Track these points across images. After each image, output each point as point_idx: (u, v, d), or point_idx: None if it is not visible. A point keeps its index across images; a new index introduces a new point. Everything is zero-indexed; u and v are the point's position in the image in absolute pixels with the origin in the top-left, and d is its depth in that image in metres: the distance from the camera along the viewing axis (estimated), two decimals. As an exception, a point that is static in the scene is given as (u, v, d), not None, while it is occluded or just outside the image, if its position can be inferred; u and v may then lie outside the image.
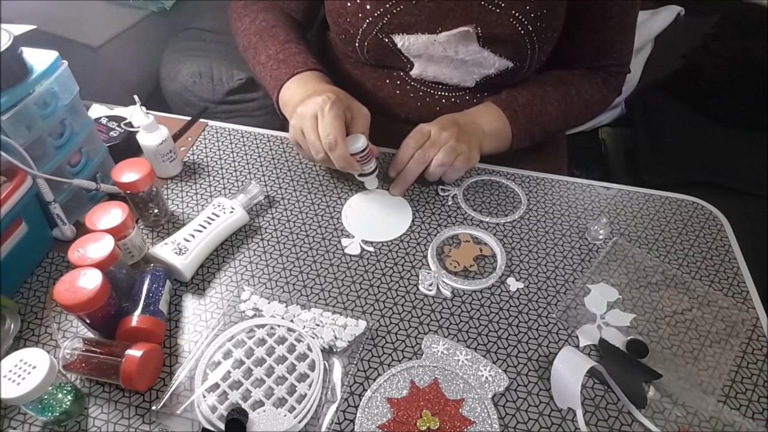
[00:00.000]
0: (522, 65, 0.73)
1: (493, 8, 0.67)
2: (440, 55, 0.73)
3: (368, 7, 0.70)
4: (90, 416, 0.49)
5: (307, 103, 0.64)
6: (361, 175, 0.70)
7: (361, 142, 0.65)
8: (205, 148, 0.78)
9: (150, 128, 0.68)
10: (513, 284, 0.62)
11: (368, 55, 0.76)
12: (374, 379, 0.52)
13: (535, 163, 0.82)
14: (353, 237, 0.66)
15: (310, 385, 0.51)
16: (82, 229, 0.63)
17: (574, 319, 0.59)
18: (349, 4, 0.71)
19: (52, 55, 0.59)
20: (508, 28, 0.68)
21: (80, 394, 0.49)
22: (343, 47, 0.80)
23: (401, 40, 0.72)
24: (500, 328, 0.58)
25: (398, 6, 0.69)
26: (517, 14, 0.67)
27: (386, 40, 0.72)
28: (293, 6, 0.82)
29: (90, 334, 0.54)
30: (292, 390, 0.51)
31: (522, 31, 0.68)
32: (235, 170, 0.75)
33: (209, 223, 0.63)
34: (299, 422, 0.48)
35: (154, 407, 0.50)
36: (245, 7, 0.81)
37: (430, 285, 0.61)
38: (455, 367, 0.53)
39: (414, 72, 0.77)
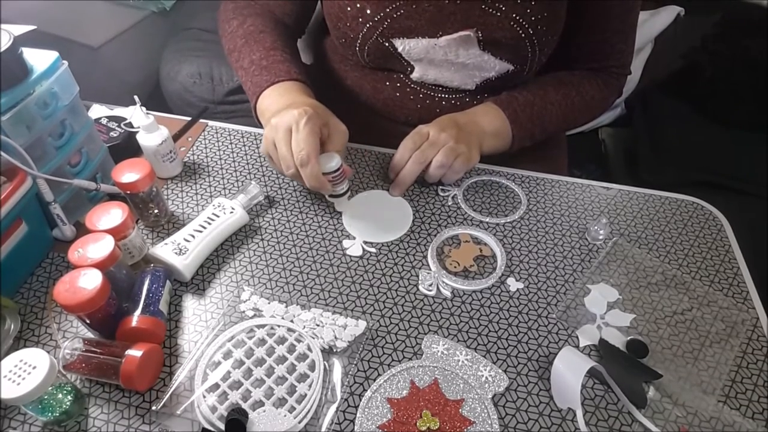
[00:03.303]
0: (522, 68, 0.73)
1: (494, 12, 0.67)
2: (441, 58, 0.72)
3: (368, 11, 0.69)
4: (90, 416, 0.49)
5: (283, 114, 0.62)
6: (332, 195, 0.68)
7: (335, 161, 0.63)
8: (205, 148, 0.78)
9: (150, 128, 0.68)
10: (513, 284, 0.62)
11: (368, 58, 0.76)
12: (374, 379, 0.52)
13: (535, 163, 0.82)
14: (354, 238, 0.66)
15: (310, 386, 0.51)
16: (82, 229, 0.63)
17: (574, 319, 0.59)
18: (348, 8, 0.70)
19: (52, 55, 0.59)
20: (508, 32, 0.68)
21: (80, 394, 0.49)
22: (343, 51, 0.79)
23: (402, 44, 0.71)
24: (500, 328, 0.58)
25: (399, 10, 0.69)
26: (517, 17, 0.67)
27: (386, 44, 0.72)
28: (287, 9, 0.80)
29: (90, 334, 0.54)
30: (292, 390, 0.51)
31: (522, 35, 0.68)
32: (235, 170, 0.75)
33: (209, 224, 0.63)
34: (299, 422, 0.48)
35: (154, 407, 0.50)
36: (234, 10, 0.79)
37: (430, 285, 0.61)
38: (455, 367, 0.53)
39: (414, 75, 0.76)
